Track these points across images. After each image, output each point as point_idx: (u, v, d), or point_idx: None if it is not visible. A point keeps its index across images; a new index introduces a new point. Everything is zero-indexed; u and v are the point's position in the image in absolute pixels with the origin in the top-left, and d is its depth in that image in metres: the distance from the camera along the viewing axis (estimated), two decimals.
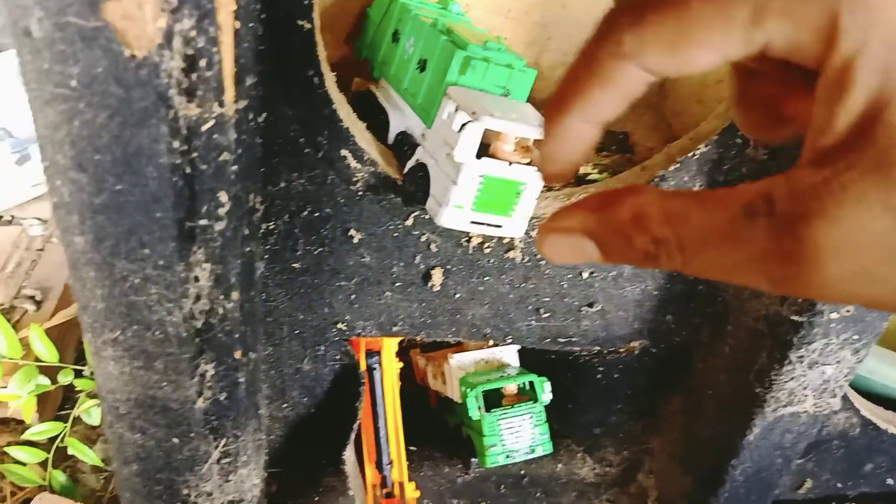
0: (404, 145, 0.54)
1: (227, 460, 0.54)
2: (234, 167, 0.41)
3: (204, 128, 0.38)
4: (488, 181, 0.46)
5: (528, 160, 0.47)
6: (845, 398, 0.76)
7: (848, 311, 0.55)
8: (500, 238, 0.59)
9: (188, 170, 0.39)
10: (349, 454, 0.68)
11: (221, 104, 0.39)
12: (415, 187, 0.50)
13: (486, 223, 0.49)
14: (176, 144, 0.38)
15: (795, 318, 0.57)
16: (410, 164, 0.52)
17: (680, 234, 0.24)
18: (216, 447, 0.53)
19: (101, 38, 0.34)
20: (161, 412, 0.50)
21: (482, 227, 0.49)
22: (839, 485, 0.86)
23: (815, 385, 0.61)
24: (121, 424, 0.52)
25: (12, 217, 1.22)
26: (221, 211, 0.42)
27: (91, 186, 0.39)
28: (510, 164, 0.46)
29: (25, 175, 1.17)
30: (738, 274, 0.23)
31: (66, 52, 0.35)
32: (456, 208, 0.47)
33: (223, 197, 0.41)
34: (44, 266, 1.09)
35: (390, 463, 0.71)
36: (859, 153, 0.21)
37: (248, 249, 0.47)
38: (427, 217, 0.57)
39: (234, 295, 0.46)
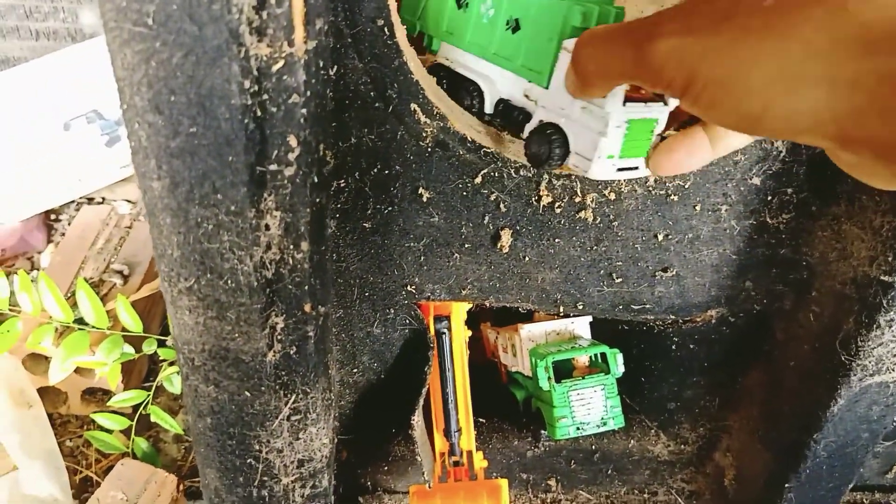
0: (512, 111, 0.53)
1: (297, 417, 0.55)
2: (304, 111, 0.41)
3: (274, 68, 0.39)
4: (632, 125, 0.46)
5: (659, 98, 0.47)
6: None
7: None
8: (572, 197, 0.58)
9: (259, 112, 0.39)
10: (418, 420, 0.68)
11: (291, 44, 0.38)
12: (545, 148, 0.49)
13: (629, 167, 0.48)
14: (247, 85, 0.38)
15: (885, 278, 0.53)
16: (532, 125, 0.50)
17: (595, 36, 0.39)
18: (286, 403, 0.53)
19: None
20: (233, 364, 0.51)
21: (625, 173, 0.48)
22: None
23: None
24: (196, 377, 0.52)
25: (103, 198, 1.27)
26: (291, 156, 0.42)
27: (167, 129, 0.40)
28: (646, 102, 0.46)
29: (115, 156, 1.21)
30: (618, 50, 0.37)
31: None
32: (607, 159, 0.46)
33: (293, 141, 0.41)
34: (131, 242, 1.14)
35: (459, 430, 0.71)
36: None
37: (317, 200, 0.47)
38: (496, 175, 0.56)
39: (304, 245, 0.46)
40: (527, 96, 0.52)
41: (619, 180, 0.57)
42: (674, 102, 0.46)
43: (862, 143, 0.30)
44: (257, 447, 0.55)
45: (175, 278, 0.46)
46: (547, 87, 0.49)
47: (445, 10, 0.55)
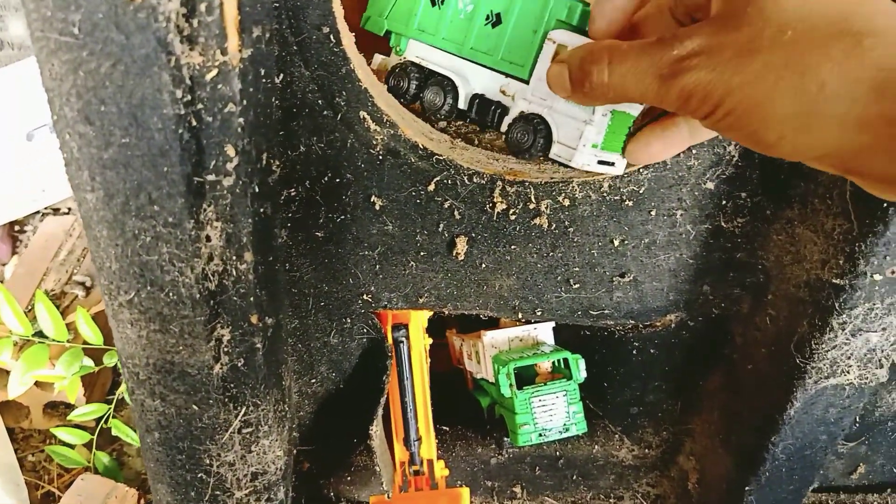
0: (488, 105, 0.53)
1: (248, 430, 0.54)
2: (241, 120, 0.40)
3: (208, 77, 0.38)
4: (615, 116, 0.47)
5: None
6: None
7: (893, 272, 0.52)
8: (526, 204, 0.58)
9: (193, 122, 0.39)
10: (377, 430, 0.67)
11: (224, 52, 0.38)
12: (529, 136, 0.50)
13: (607, 161, 0.49)
14: (179, 94, 0.37)
15: (837, 281, 0.54)
16: (512, 116, 0.51)
17: (613, 54, 0.38)
18: (236, 416, 0.52)
19: None
20: (179, 378, 0.50)
21: (603, 167, 0.49)
22: (895, 470, 0.82)
23: (859, 354, 0.57)
24: (141, 391, 0.52)
25: (69, 209, 1.26)
26: (229, 166, 0.41)
27: (99, 140, 0.39)
28: None
29: None
30: (639, 76, 0.37)
31: None
32: (591, 147, 0.47)
33: (230, 151, 0.41)
34: None
35: (419, 439, 0.70)
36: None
37: (261, 210, 0.46)
38: (450, 182, 0.56)
39: (248, 256, 0.46)
40: (503, 92, 0.52)
41: (572, 186, 0.57)
42: None
43: (865, 176, 0.34)
44: (208, 461, 0.54)
45: (115, 291, 0.46)
46: (528, 81, 0.50)
47: (417, 8, 0.55)
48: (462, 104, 0.55)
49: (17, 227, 1.25)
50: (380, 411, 0.67)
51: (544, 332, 0.78)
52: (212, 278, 0.45)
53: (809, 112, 0.32)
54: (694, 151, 0.56)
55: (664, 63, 0.36)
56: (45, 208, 1.24)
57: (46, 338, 0.89)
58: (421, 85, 0.57)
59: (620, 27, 0.44)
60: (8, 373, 0.89)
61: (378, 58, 0.61)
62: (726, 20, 0.35)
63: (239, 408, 0.52)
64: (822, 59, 0.32)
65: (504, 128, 0.52)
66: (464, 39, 0.53)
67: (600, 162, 0.49)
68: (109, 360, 0.93)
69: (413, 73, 0.57)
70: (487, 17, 0.51)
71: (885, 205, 0.50)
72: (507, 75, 0.52)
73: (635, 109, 0.48)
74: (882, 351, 0.58)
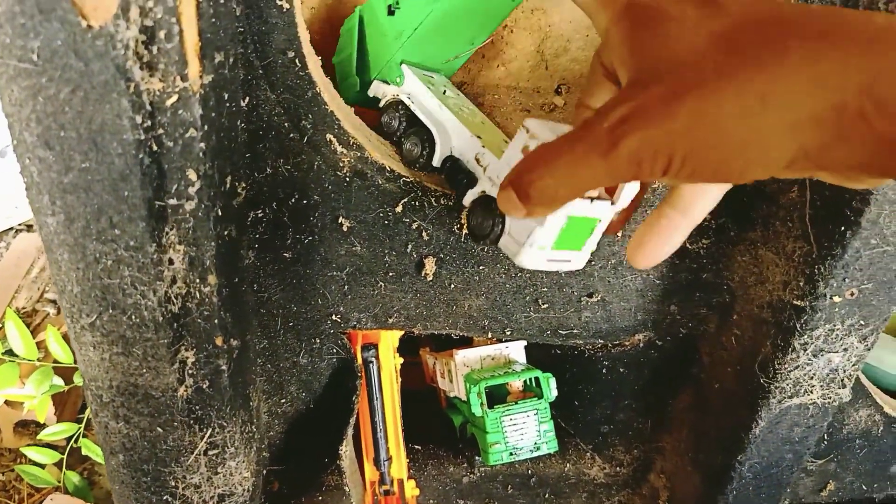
0: (457, 172, 0.51)
1: (214, 451, 0.54)
2: (202, 144, 0.41)
3: (168, 102, 0.38)
4: (572, 221, 0.44)
5: (607, 197, 0.45)
6: (866, 394, 0.73)
7: (852, 293, 0.53)
8: None
9: (154, 146, 0.39)
10: (346, 450, 0.67)
11: (185, 78, 0.38)
12: (489, 223, 0.47)
13: (560, 259, 0.47)
14: (139, 119, 0.37)
15: (797, 302, 0.54)
16: (474, 195, 0.49)
17: (545, 157, 0.36)
18: (202, 437, 0.52)
19: (58, 10, 0.34)
20: (143, 400, 0.49)
21: (555, 264, 0.47)
22: (864, 487, 0.82)
23: (821, 374, 0.58)
24: (105, 413, 0.51)
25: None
26: (191, 190, 0.41)
27: (59, 165, 0.39)
28: (592, 201, 0.44)
29: None
30: (584, 161, 0.34)
31: (27, 25, 0.35)
32: (538, 248, 0.45)
33: (192, 175, 0.41)
34: None
35: (389, 459, 0.70)
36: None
37: (224, 233, 0.46)
38: (417, 204, 0.56)
39: (211, 279, 0.46)
40: (478, 160, 0.50)
41: None
42: (622, 202, 0.45)
43: (833, 170, 0.32)
44: (173, 483, 0.54)
45: (77, 314, 0.45)
46: (498, 158, 0.48)
47: (386, 30, 0.54)
48: (435, 161, 0.53)
49: None
50: (350, 431, 0.67)
51: (516, 350, 0.79)
52: (175, 301, 0.45)
53: (760, 129, 0.31)
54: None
55: (599, 141, 0.33)
56: (19, 225, 1.23)
57: (16, 356, 0.88)
58: (406, 130, 0.55)
59: None
60: None
61: (375, 84, 0.58)
62: (642, 79, 0.34)
63: (205, 429, 0.52)
64: (753, 74, 0.30)
65: (466, 202, 0.50)
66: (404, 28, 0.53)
67: (551, 261, 0.46)
68: (79, 380, 0.92)
69: (402, 115, 0.55)
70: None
71: (842, 228, 0.51)
72: (484, 144, 0.50)
73: (599, 212, 0.45)
74: (844, 371, 0.58)
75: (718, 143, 0.32)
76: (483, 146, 0.50)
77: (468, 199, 0.50)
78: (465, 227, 0.50)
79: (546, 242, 0.45)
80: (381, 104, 0.57)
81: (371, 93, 0.58)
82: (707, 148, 0.32)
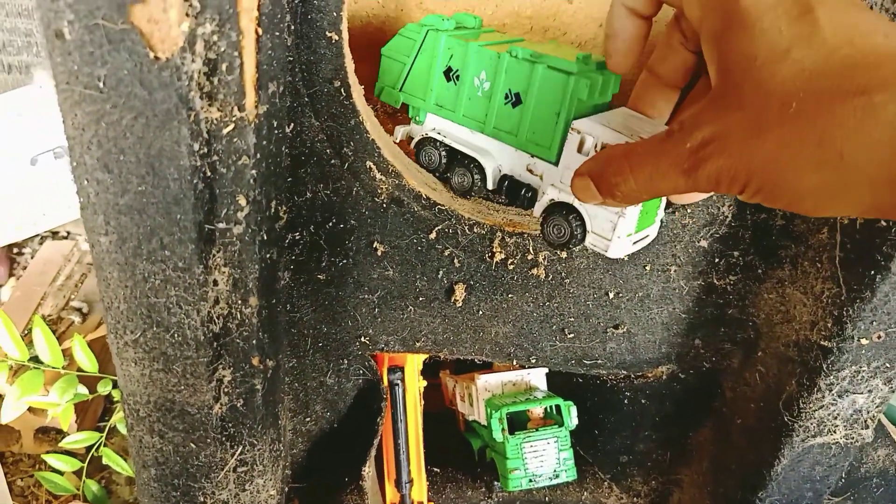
0: (518, 188, 0.52)
1: (244, 469, 0.55)
2: (254, 171, 0.42)
3: (224, 131, 0.39)
4: (646, 202, 0.45)
5: None
6: (885, 433, 0.73)
7: (879, 336, 0.54)
8: (524, 255, 0.59)
9: (208, 172, 0.40)
10: (369, 471, 0.68)
11: (242, 108, 0.39)
12: (566, 230, 0.48)
13: (641, 238, 0.48)
14: (196, 147, 0.39)
15: (825, 343, 0.55)
16: (544, 204, 0.49)
17: (630, 160, 0.38)
18: (232, 455, 0.53)
19: (127, 41, 0.36)
20: (179, 416, 0.51)
21: (638, 244, 0.48)
22: None
23: (845, 415, 0.59)
24: (140, 427, 0.52)
25: (68, 232, 1.26)
26: (240, 215, 0.43)
27: (116, 187, 0.40)
28: None
29: None
30: (664, 174, 0.36)
31: (95, 54, 0.36)
32: (626, 237, 0.46)
33: (242, 201, 0.42)
34: (93, 279, 1.13)
35: (410, 481, 0.71)
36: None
37: (267, 256, 0.48)
38: (450, 231, 0.57)
39: (252, 301, 0.47)
40: (530, 171, 0.51)
41: None
42: None
43: None
44: (202, 499, 0.55)
45: (121, 330, 0.47)
46: (556, 164, 0.48)
47: (432, 84, 0.54)
48: (490, 185, 0.53)
49: (15, 250, 1.25)
50: (373, 452, 0.68)
51: (537, 377, 0.79)
52: (217, 321, 0.46)
53: (835, 182, 0.31)
54: (689, 210, 0.58)
55: (682, 159, 0.35)
56: (45, 232, 1.25)
57: (42, 363, 0.90)
58: (449, 162, 0.55)
59: (636, 57, 0.44)
60: (2, 397, 0.89)
61: (398, 129, 0.58)
62: (727, 98, 0.34)
63: (236, 447, 0.53)
64: (834, 127, 0.30)
65: (537, 213, 0.50)
66: (485, 118, 0.51)
67: (636, 243, 0.48)
68: (103, 388, 0.94)
69: (441, 149, 0.55)
70: (507, 97, 0.50)
71: (872, 272, 0.51)
72: (533, 155, 0.50)
73: None
74: (868, 412, 0.59)
75: (794, 183, 0.32)
76: (532, 156, 0.50)
77: (538, 210, 0.50)
78: (541, 236, 0.50)
79: (630, 229, 0.46)
80: (413, 144, 0.57)
81: (396, 138, 0.58)
82: (782, 185, 0.33)
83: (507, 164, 0.52)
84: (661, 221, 0.51)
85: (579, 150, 0.45)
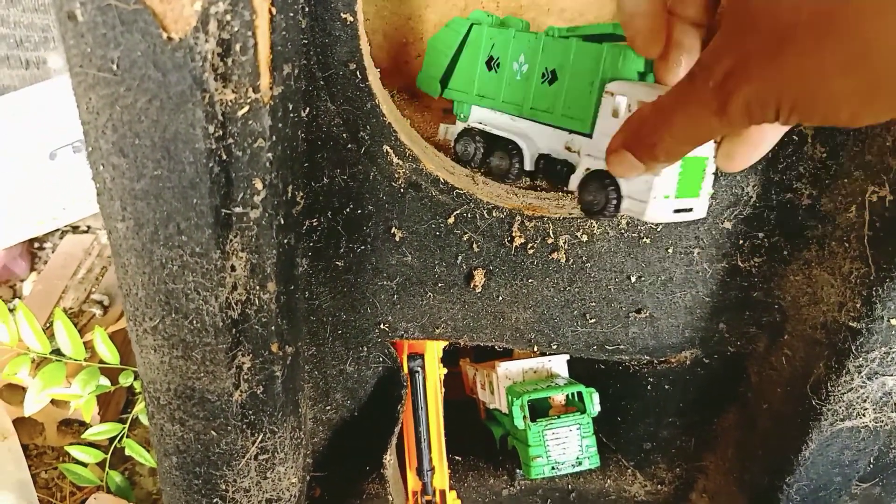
0: (554, 165, 0.52)
1: (265, 456, 0.54)
2: (270, 154, 0.41)
3: (239, 113, 0.39)
4: (686, 162, 0.45)
5: None
6: None
7: None
8: (544, 239, 0.58)
9: (224, 155, 0.40)
10: (390, 459, 0.67)
11: (256, 90, 0.39)
12: (601, 196, 0.47)
13: (684, 208, 0.47)
14: (211, 129, 0.38)
15: (853, 324, 0.54)
16: (579, 175, 0.49)
17: (660, 116, 0.38)
18: (253, 442, 0.53)
19: (140, 21, 0.35)
20: (199, 404, 0.50)
21: (681, 215, 0.47)
22: None
23: (874, 398, 0.57)
24: (161, 416, 0.52)
25: (88, 227, 1.27)
26: (257, 199, 0.42)
27: (132, 172, 0.40)
28: None
29: None
30: (697, 120, 0.36)
31: (108, 36, 0.36)
32: (663, 199, 0.45)
33: (258, 184, 0.42)
34: (113, 272, 1.13)
35: (431, 469, 0.70)
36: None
37: (285, 241, 0.47)
38: (469, 216, 0.57)
39: (271, 286, 0.47)
40: (568, 148, 0.51)
41: (591, 222, 0.58)
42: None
43: None
44: (224, 487, 0.55)
45: (140, 318, 0.46)
46: (591, 135, 0.49)
47: (475, 74, 0.55)
48: (528, 165, 0.54)
49: (35, 244, 1.26)
50: (394, 440, 0.68)
51: (558, 364, 0.79)
52: (235, 307, 0.46)
53: (866, 81, 0.30)
54: (713, 191, 0.56)
55: (709, 100, 0.34)
56: (65, 226, 1.25)
57: (64, 356, 0.90)
58: (487, 150, 0.57)
59: (662, 34, 0.42)
60: (25, 389, 0.90)
61: (443, 127, 0.61)
62: (740, 23, 0.33)
63: (256, 434, 0.53)
64: (852, 24, 0.29)
65: (573, 186, 0.50)
66: (522, 100, 0.53)
67: (676, 211, 0.47)
68: (125, 380, 0.94)
69: (479, 139, 0.57)
70: (543, 75, 0.51)
71: None
72: (570, 131, 0.51)
73: (706, 150, 0.45)
74: None
75: (824, 92, 0.31)
76: (570, 132, 0.50)
77: (574, 182, 0.49)
78: (578, 207, 0.49)
79: (669, 190, 0.45)
80: (454, 140, 0.59)
81: (440, 137, 0.60)
82: (814, 97, 0.32)
83: (546, 144, 0.53)
84: (712, 199, 0.51)
85: (614, 115, 0.45)
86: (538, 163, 0.54)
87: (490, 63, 0.55)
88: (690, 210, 0.48)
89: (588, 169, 0.48)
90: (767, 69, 0.32)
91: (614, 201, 0.46)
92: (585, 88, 0.48)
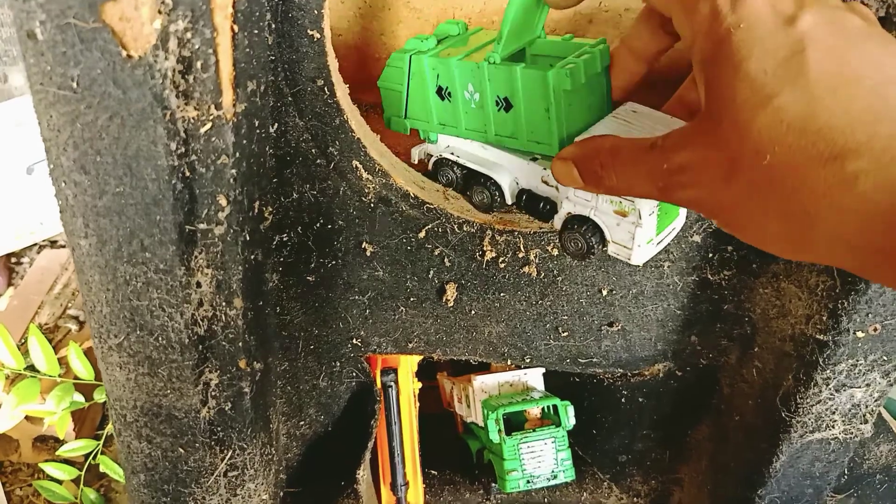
0: (537, 202, 0.51)
1: (234, 473, 0.54)
2: (234, 171, 0.41)
3: (202, 130, 0.39)
4: (662, 206, 0.45)
5: None
6: (887, 429, 0.72)
7: (875, 329, 0.53)
8: (515, 253, 0.58)
9: (186, 172, 0.40)
10: (364, 474, 0.67)
11: (219, 107, 0.39)
12: (583, 244, 0.47)
13: (666, 236, 0.47)
14: (173, 146, 0.38)
15: (820, 336, 0.54)
16: (561, 218, 0.48)
17: (616, 159, 0.39)
18: (222, 459, 0.53)
19: (99, 40, 0.35)
20: (166, 421, 0.50)
21: (663, 243, 0.48)
22: None
23: (843, 409, 0.58)
24: (128, 433, 0.52)
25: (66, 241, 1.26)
26: (221, 215, 0.42)
27: (93, 189, 0.40)
28: None
29: None
30: (641, 183, 0.38)
31: (68, 54, 0.36)
32: (647, 244, 0.45)
33: (223, 200, 0.42)
34: None
35: (406, 484, 0.70)
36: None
37: (251, 257, 0.47)
38: (440, 230, 0.57)
39: (237, 302, 0.46)
40: (546, 183, 0.50)
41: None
42: None
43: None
44: None
45: (105, 335, 0.46)
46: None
47: (430, 105, 0.53)
48: (509, 200, 0.53)
49: (13, 259, 1.25)
50: (367, 455, 0.67)
51: (534, 377, 0.79)
52: (201, 323, 0.45)
53: (801, 236, 0.31)
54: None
55: (657, 177, 0.36)
56: (43, 241, 1.24)
57: (38, 372, 0.89)
58: (466, 178, 0.55)
59: (640, 78, 0.45)
60: None
61: (414, 151, 0.57)
62: (708, 131, 0.34)
63: (225, 451, 0.52)
64: (804, 188, 0.30)
65: (557, 225, 0.49)
66: (485, 126, 0.51)
67: (660, 243, 0.47)
68: (100, 396, 0.93)
69: (455, 169, 0.55)
70: (497, 103, 0.49)
71: None
72: (542, 156, 0.50)
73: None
74: (866, 406, 0.58)
75: (760, 228, 0.33)
76: (545, 168, 0.49)
77: (558, 224, 0.49)
78: (562, 250, 0.50)
79: (650, 235, 0.45)
80: (430, 166, 0.57)
81: (413, 159, 0.57)
82: (749, 227, 0.34)
83: (523, 178, 0.52)
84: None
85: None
86: (520, 198, 0.52)
87: (441, 93, 0.52)
88: (674, 230, 0.48)
89: (569, 213, 0.48)
90: (715, 187, 0.34)
91: (594, 245, 0.47)
92: (542, 115, 0.46)
